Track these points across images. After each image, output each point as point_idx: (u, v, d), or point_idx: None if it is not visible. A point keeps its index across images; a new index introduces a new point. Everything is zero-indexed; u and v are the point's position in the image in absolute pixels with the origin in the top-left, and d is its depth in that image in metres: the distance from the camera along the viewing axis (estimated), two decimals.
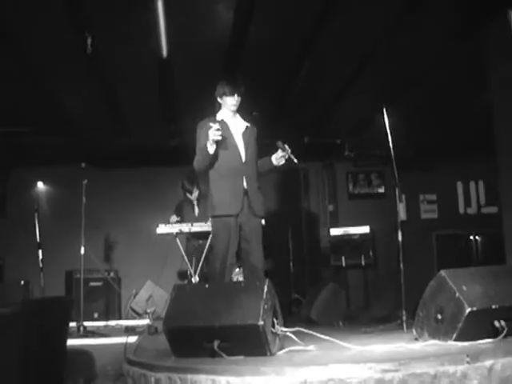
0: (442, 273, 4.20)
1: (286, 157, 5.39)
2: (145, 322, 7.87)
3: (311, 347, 4.17)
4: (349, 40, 6.07)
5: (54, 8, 5.01)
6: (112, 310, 9.05)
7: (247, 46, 6.11)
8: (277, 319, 4.15)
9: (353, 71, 7.01)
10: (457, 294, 4.00)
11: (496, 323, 3.98)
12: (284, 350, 4.10)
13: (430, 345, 4.04)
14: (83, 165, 6.44)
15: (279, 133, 5.90)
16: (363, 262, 9.23)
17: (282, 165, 5.53)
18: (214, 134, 5.10)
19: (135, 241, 9.68)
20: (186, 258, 7.64)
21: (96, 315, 8.61)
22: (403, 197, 10.11)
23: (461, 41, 5.81)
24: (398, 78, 7.26)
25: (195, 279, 7.44)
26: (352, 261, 9.26)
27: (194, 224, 7.55)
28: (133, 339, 5.99)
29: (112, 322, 7.98)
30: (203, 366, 3.67)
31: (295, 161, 5.36)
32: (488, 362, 3.34)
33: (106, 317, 8.71)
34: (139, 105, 7.42)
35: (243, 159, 5.43)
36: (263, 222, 5.64)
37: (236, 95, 5.42)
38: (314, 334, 4.28)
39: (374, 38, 6.12)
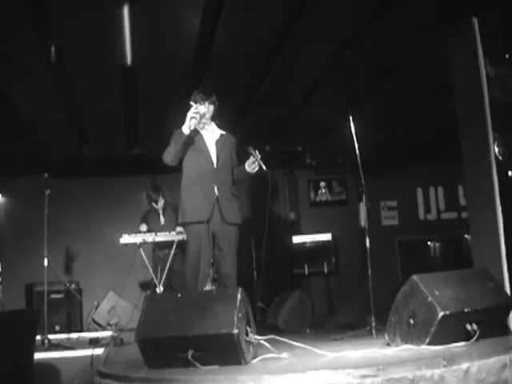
0: (414, 277, 4.24)
1: (256, 163, 5.39)
2: (107, 333, 7.76)
3: (284, 355, 4.15)
4: (315, 46, 6.09)
5: (16, 14, 4.90)
6: (74, 322, 8.87)
7: (213, 53, 6.08)
8: (250, 327, 4.12)
9: (316, 77, 7.02)
10: (429, 299, 4.04)
11: (468, 326, 4.03)
12: (258, 359, 4.07)
13: (404, 349, 4.06)
14: (46, 175, 6.29)
15: (241, 140, 5.87)
16: (326, 270, 9.25)
17: (257, 172, 5.50)
18: (192, 113, 5.23)
19: (97, 251, 9.54)
20: (150, 268, 7.56)
21: (57, 328, 8.42)
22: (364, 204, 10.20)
23: (426, 45, 5.86)
24: (361, 84, 7.32)
25: (160, 289, 7.35)
26: (314, 268, 9.27)
27: (158, 234, 7.49)
28: (99, 351, 5.90)
29: (74, 335, 7.82)
30: (178, 376, 3.62)
31: (264, 167, 5.37)
32: (464, 365, 3.37)
33: (67, 329, 8.52)
34: (102, 113, 7.31)
35: (214, 165, 5.44)
36: None
37: (207, 103, 5.45)
38: (288, 341, 4.27)
39: (339, 42, 6.14)
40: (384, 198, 10.36)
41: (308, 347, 4.23)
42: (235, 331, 3.79)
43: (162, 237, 7.48)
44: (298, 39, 5.96)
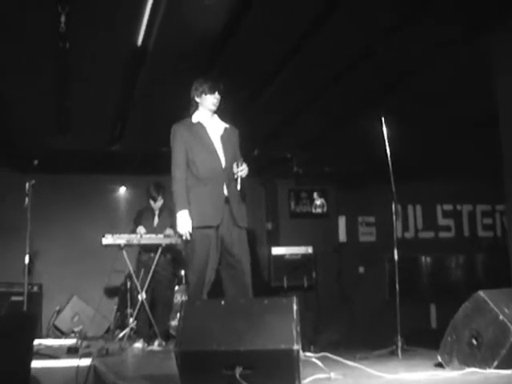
0: (481, 293, 3.87)
1: (235, 176, 4.86)
2: (70, 341, 7.15)
3: (332, 374, 3.71)
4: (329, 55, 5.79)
5: None
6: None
7: (228, 49, 5.64)
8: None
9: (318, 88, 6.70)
10: (500, 317, 3.69)
11: None
12: (309, 379, 3.60)
13: (470, 373, 3.67)
14: (36, 162, 5.63)
15: None
16: (305, 284, 8.86)
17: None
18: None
19: (62, 252, 8.85)
20: (133, 272, 6.95)
21: None
22: (344, 218, 9.91)
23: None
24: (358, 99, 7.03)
25: (143, 296, 6.76)
26: (294, 282, 8.86)
27: (144, 236, 6.89)
28: (86, 362, 5.31)
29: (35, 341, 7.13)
30: None
31: (238, 187, 4.85)
32: None
33: None
34: (91, 102, 6.67)
35: (223, 165, 4.89)
36: None
37: (217, 93, 4.92)
38: (341, 360, 3.83)
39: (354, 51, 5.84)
40: (362, 214, 10.05)
41: (361, 367, 3.81)
42: (296, 347, 3.33)
43: (147, 239, 6.88)
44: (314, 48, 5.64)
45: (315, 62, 5.98)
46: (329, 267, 9.35)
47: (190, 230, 4.79)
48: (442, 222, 10.31)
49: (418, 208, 10.31)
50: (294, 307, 3.54)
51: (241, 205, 4.99)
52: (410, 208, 10.28)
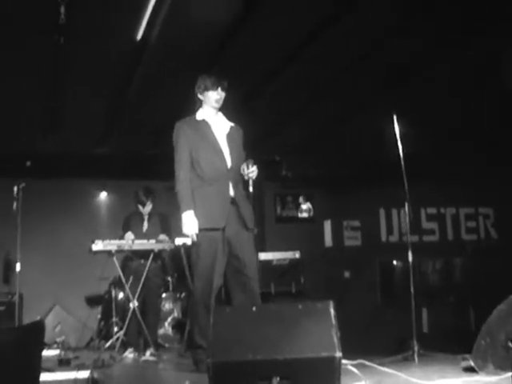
0: None
1: (246, 178, 4.67)
2: (53, 352, 6.81)
3: (368, 382, 3.54)
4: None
5: None
6: None
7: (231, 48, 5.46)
8: None
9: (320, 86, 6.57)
10: None
11: None
12: None
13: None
14: (28, 163, 5.32)
15: None
16: (294, 290, 8.64)
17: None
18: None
19: (44, 260, 8.47)
20: (124, 280, 6.64)
21: None
22: (329, 222, 9.76)
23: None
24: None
25: (134, 304, 6.47)
26: (282, 288, 8.63)
27: (136, 241, 6.60)
28: (84, 374, 5.02)
29: None
30: None
31: (250, 189, 4.67)
32: None
33: None
34: (82, 101, 6.37)
35: (228, 164, 4.69)
36: None
37: (220, 89, 4.71)
38: (376, 366, 3.66)
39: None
40: (347, 218, 9.90)
41: (396, 373, 3.64)
42: (338, 355, 3.14)
43: (139, 245, 6.59)
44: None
45: (317, 61, 5.84)
46: (316, 272, 9.17)
47: (197, 231, 4.57)
48: (425, 225, 10.23)
49: (402, 212, 10.20)
50: (332, 311, 3.37)
51: (249, 206, 4.79)
52: (394, 212, 10.16)
